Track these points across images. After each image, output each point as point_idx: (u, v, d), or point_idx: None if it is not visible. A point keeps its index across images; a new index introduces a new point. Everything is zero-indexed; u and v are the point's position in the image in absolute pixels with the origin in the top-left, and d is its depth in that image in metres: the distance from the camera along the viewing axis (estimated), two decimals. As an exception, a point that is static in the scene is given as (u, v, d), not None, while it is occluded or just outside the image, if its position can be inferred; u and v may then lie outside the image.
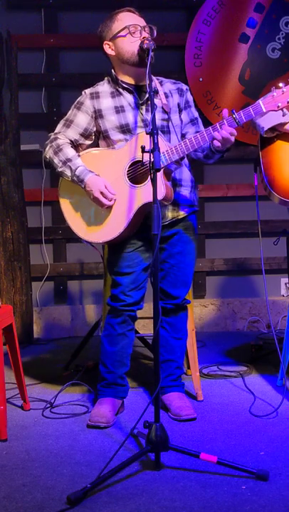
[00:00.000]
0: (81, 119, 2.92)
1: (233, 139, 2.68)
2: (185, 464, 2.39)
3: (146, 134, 2.43)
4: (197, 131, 2.82)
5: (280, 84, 2.65)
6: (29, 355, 4.09)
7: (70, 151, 2.87)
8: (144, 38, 2.76)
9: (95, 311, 4.77)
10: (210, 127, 2.70)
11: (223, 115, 2.68)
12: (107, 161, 2.84)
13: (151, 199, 2.44)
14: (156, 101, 2.83)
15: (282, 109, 2.68)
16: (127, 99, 2.88)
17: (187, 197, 2.94)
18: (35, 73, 4.75)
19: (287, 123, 2.93)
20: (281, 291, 4.87)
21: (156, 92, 2.88)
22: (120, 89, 2.90)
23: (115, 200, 2.78)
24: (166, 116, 2.88)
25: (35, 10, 4.75)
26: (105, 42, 2.87)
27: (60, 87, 4.77)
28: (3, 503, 2.14)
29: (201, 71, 4.72)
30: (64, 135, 2.92)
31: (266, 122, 2.91)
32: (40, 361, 4.00)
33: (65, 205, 2.91)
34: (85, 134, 2.94)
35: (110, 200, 2.77)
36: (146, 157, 2.47)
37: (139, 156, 2.71)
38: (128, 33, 2.81)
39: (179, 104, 2.94)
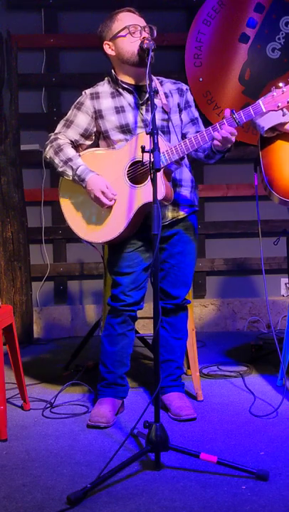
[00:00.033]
0: (81, 119, 2.92)
1: (233, 138, 2.68)
2: (185, 464, 2.39)
3: (147, 134, 2.43)
4: (197, 131, 2.81)
5: (280, 84, 2.65)
6: (29, 355, 4.09)
7: (70, 151, 2.87)
8: (144, 38, 2.76)
9: (95, 311, 4.77)
10: (210, 127, 2.70)
11: (224, 115, 2.67)
12: (107, 161, 2.84)
13: (151, 199, 2.44)
14: (156, 101, 2.83)
15: (282, 109, 2.67)
16: (127, 99, 2.88)
17: (187, 197, 2.94)
18: (35, 73, 4.76)
19: (287, 123, 2.93)
20: (281, 291, 4.87)
21: (157, 92, 2.88)
22: (120, 90, 2.89)
23: (116, 200, 2.78)
24: (166, 117, 2.88)
25: (35, 10, 4.75)
26: (105, 42, 2.87)
27: (60, 87, 4.77)
28: (3, 503, 2.14)
29: (201, 71, 4.72)
30: (64, 135, 2.92)
31: (266, 122, 2.91)
32: (40, 361, 4.00)
33: (66, 205, 2.91)
34: (85, 135, 2.94)
35: (111, 200, 2.77)
36: (146, 157, 2.47)
37: (139, 156, 2.71)
38: (128, 33, 2.81)
39: (179, 104, 2.94)
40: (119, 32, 2.82)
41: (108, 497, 2.16)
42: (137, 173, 2.78)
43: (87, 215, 2.86)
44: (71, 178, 2.82)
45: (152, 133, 2.42)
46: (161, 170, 2.60)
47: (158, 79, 2.97)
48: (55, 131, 2.95)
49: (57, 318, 4.79)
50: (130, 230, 2.81)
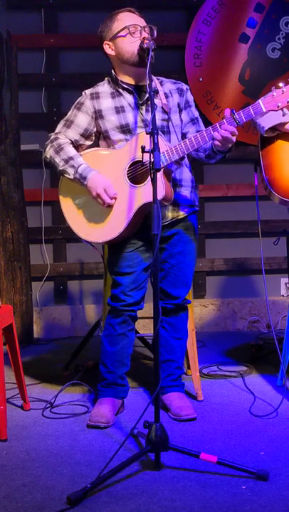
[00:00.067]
0: (81, 119, 2.92)
1: (234, 138, 2.67)
2: (185, 464, 2.39)
3: (147, 134, 2.43)
4: (198, 131, 2.81)
5: (280, 84, 2.65)
6: (29, 355, 4.09)
7: (71, 150, 2.87)
8: (144, 38, 2.76)
9: (95, 311, 4.77)
10: (210, 127, 2.70)
11: (224, 115, 2.67)
12: (107, 161, 2.84)
13: (151, 199, 2.44)
14: (156, 101, 2.83)
15: (282, 109, 2.67)
16: (127, 99, 2.88)
17: (187, 197, 2.94)
18: (35, 73, 4.75)
19: (287, 123, 2.93)
20: (281, 291, 4.87)
21: (157, 92, 2.88)
22: (120, 90, 2.89)
23: (116, 199, 2.78)
24: (166, 117, 2.88)
25: (35, 10, 4.75)
26: (105, 42, 2.87)
27: (60, 87, 4.77)
28: (3, 503, 2.14)
29: (201, 71, 4.72)
30: (64, 135, 2.92)
31: (266, 122, 2.91)
32: (40, 361, 4.00)
33: (66, 205, 2.90)
34: (86, 135, 2.94)
35: (112, 199, 2.77)
36: (146, 157, 2.47)
37: (139, 156, 2.71)
38: (128, 33, 2.81)
39: (178, 104, 2.94)
40: (119, 32, 2.82)
41: (108, 497, 2.16)
42: (137, 173, 2.78)
43: (88, 215, 2.86)
44: (72, 176, 2.82)
45: (152, 133, 2.42)
46: (161, 170, 2.60)
47: (158, 79, 2.97)
48: (56, 131, 2.95)
49: (57, 318, 4.78)
50: (130, 230, 2.81)
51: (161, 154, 2.64)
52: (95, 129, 2.94)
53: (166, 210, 2.88)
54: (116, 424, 2.83)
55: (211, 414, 2.96)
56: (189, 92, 3.01)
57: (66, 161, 2.83)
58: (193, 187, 2.98)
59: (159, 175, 2.63)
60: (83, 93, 2.95)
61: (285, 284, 4.84)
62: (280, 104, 2.65)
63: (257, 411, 2.96)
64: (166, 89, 2.94)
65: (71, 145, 2.90)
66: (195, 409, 2.94)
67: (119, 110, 2.87)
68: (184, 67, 4.72)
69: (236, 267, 4.85)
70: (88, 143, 2.97)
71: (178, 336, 3.04)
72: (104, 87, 2.94)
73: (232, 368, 3.67)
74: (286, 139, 3.02)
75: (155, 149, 2.40)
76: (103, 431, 2.76)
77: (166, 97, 2.91)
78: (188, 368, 3.31)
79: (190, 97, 2.99)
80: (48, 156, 2.90)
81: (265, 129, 2.95)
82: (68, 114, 2.96)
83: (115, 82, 2.91)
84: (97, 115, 2.90)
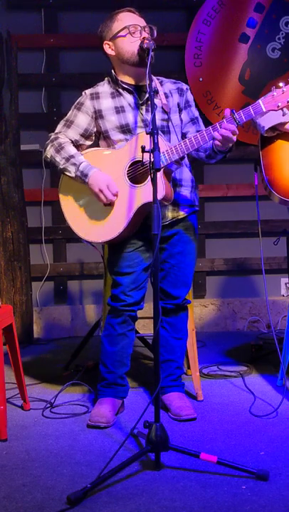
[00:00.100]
0: (81, 119, 2.92)
1: (234, 138, 2.67)
2: (185, 464, 2.39)
3: (147, 134, 2.43)
4: (198, 131, 2.81)
5: (280, 84, 2.65)
6: (29, 355, 4.09)
7: (72, 149, 2.87)
8: (144, 38, 2.76)
9: (95, 311, 4.77)
10: (210, 127, 2.70)
11: (224, 115, 2.67)
12: (107, 160, 2.84)
13: (151, 199, 2.44)
14: (156, 101, 2.83)
15: (282, 109, 2.67)
16: (127, 99, 2.88)
17: (187, 197, 2.94)
18: (35, 73, 4.75)
19: (287, 122, 2.93)
20: (281, 291, 4.87)
21: (157, 92, 2.88)
22: (120, 90, 2.89)
23: (117, 196, 2.77)
24: (166, 117, 2.88)
25: (35, 10, 4.75)
26: (105, 42, 2.87)
27: (60, 87, 4.77)
28: (3, 503, 2.14)
29: (201, 71, 4.72)
30: (64, 135, 2.92)
31: (266, 122, 2.91)
32: (40, 361, 4.00)
33: (66, 205, 2.90)
34: (86, 135, 2.94)
35: (113, 196, 2.76)
36: (146, 157, 2.47)
37: (139, 155, 2.71)
38: (128, 33, 2.81)
39: (178, 104, 2.94)
40: (119, 32, 2.82)
41: (108, 497, 2.16)
42: (137, 173, 2.78)
43: (88, 214, 2.86)
44: (73, 174, 2.82)
45: (152, 133, 2.42)
46: (161, 170, 2.60)
47: (158, 79, 2.97)
48: (56, 131, 2.95)
49: (57, 318, 4.78)
50: (130, 230, 2.81)
51: (161, 154, 2.63)
52: (95, 129, 2.94)
53: (166, 210, 2.88)
54: (116, 424, 2.83)
55: (211, 414, 2.96)
56: (189, 91, 3.01)
57: (67, 159, 2.83)
58: (193, 187, 2.98)
59: (159, 175, 2.63)
60: (83, 93, 2.95)
61: (285, 284, 4.84)
62: (280, 104, 2.65)
63: (257, 411, 2.96)
64: (166, 89, 2.94)
65: (71, 144, 2.91)
66: (195, 409, 2.94)
67: (119, 110, 2.87)
68: (184, 67, 4.72)
69: (236, 267, 4.85)
70: (88, 143, 2.98)
71: (178, 335, 3.03)
72: (104, 87, 2.94)
73: (232, 368, 3.67)
74: (286, 139, 3.02)
75: (155, 149, 2.40)
76: (103, 431, 2.76)
77: (166, 97, 2.91)
78: (189, 367, 3.31)
79: (190, 96, 2.99)
80: (49, 156, 2.90)
81: (265, 128, 2.95)
82: (68, 114, 2.96)
83: (115, 82, 2.91)
84: (97, 115, 2.90)
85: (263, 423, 2.82)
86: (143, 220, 2.82)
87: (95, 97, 2.91)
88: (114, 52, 2.86)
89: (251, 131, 4.52)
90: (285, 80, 2.72)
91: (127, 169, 2.78)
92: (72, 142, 2.92)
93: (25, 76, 4.63)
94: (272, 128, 2.96)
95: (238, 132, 2.68)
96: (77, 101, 2.95)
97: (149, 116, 2.81)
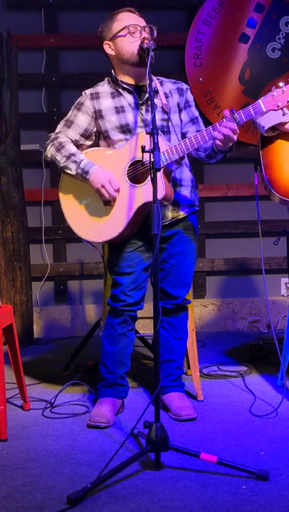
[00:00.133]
0: (81, 119, 2.92)
1: (235, 137, 2.67)
2: (185, 464, 2.39)
3: (147, 133, 2.43)
4: (198, 131, 2.81)
5: (280, 84, 2.65)
6: (29, 355, 4.09)
7: (72, 148, 2.88)
8: (144, 38, 2.76)
9: (95, 311, 4.77)
10: (210, 126, 2.70)
11: (224, 115, 2.67)
12: (107, 160, 2.84)
13: (150, 198, 2.44)
14: (156, 101, 2.83)
15: (282, 109, 2.67)
16: (127, 99, 2.88)
17: (187, 197, 2.94)
18: (35, 73, 4.75)
19: (287, 122, 2.93)
20: (281, 291, 4.87)
21: (156, 92, 2.88)
22: (120, 90, 2.89)
23: (119, 192, 2.76)
24: (165, 117, 2.88)
25: (35, 10, 4.74)
26: (105, 42, 2.87)
27: (60, 87, 4.76)
28: (3, 503, 2.14)
29: (201, 71, 4.72)
30: (65, 135, 2.92)
31: (267, 121, 2.91)
32: (40, 361, 4.00)
33: (66, 205, 2.90)
34: (86, 135, 2.94)
35: (115, 191, 2.75)
36: (146, 157, 2.47)
37: (139, 155, 2.71)
38: (128, 32, 2.81)
39: (178, 104, 2.94)
40: (119, 32, 2.82)
41: (108, 497, 2.16)
42: (137, 173, 2.78)
43: (88, 214, 2.86)
44: (74, 172, 2.82)
45: (152, 133, 2.42)
46: (161, 170, 2.59)
47: (158, 79, 2.97)
48: (56, 131, 2.95)
49: (57, 318, 4.78)
50: (130, 230, 2.81)
51: (161, 154, 2.63)
52: (95, 129, 2.94)
53: (166, 210, 2.88)
54: (116, 424, 2.83)
55: (211, 414, 2.96)
56: (189, 91, 3.00)
57: (68, 158, 2.83)
58: (193, 187, 2.98)
59: (159, 175, 2.63)
60: (83, 93, 2.95)
61: (285, 284, 4.84)
62: (280, 104, 2.65)
63: (257, 411, 2.96)
64: (166, 89, 2.94)
65: (72, 143, 2.91)
66: (195, 409, 2.94)
67: (119, 110, 2.87)
68: (184, 67, 4.72)
69: (236, 267, 4.85)
70: (88, 143, 2.98)
71: (178, 335, 3.03)
72: (104, 87, 2.94)
73: (232, 368, 3.67)
74: (286, 139, 3.02)
75: (155, 149, 2.40)
76: (103, 431, 2.76)
77: (166, 97, 2.91)
78: (189, 367, 3.31)
79: (190, 96, 2.99)
80: (49, 155, 2.90)
81: (266, 128, 2.95)
82: (68, 115, 2.96)
83: (115, 82, 2.91)
84: (97, 115, 2.90)
85: (263, 423, 2.82)
86: (143, 220, 2.81)
87: (95, 97, 2.91)
88: (114, 52, 2.86)
89: (251, 131, 4.52)
90: (285, 79, 2.72)
91: (126, 169, 2.78)
92: (72, 142, 2.92)
93: (26, 76, 4.62)
94: (273, 128, 2.96)
95: (238, 131, 2.67)
96: (77, 101, 2.95)
97: (149, 116, 2.81)
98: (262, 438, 2.65)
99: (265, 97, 2.67)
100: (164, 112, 2.87)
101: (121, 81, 2.88)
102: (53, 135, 2.94)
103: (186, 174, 2.94)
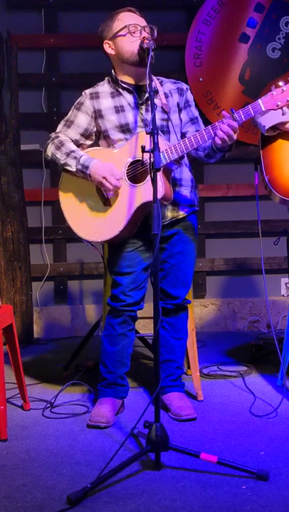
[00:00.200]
0: (81, 119, 2.92)
1: (235, 136, 2.67)
2: (185, 464, 2.39)
3: (147, 133, 2.43)
4: (197, 130, 2.81)
5: (280, 83, 2.65)
6: (29, 355, 4.09)
7: (72, 145, 2.88)
8: (144, 37, 2.75)
9: (95, 311, 4.77)
10: (209, 126, 2.70)
11: (223, 115, 2.67)
12: (106, 159, 2.83)
13: (150, 198, 2.44)
14: (156, 101, 2.83)
15: (281, 108, 2.67)
16: (127, 99, 2.88)
17: (187, 197, 2.94)
18: (35, 73, 4.75)
19: (288, 122, 2.93)
20: (281, 291, 4.86)
21: (156, 91, 2.88)
22: (120, 89, 2.89)
23: (120, 184, 2.76)
24: (165, 116, 2.88)
25: (35, 10, 4.74)
26: (105, 41, 2.87)
27: (60, 87, 4.76)
28: (3, 503, 2.14)
29: (201, 71, 4.72)
30: (65, 134, 2.92)
31: (267, 121, 2.91)
32: (40, 361, 4.00)
33: (66, 205, 2.90)
34: (86, 134, 2.94)
35: (118, 181, 2.75)
36: (146, 157, 2.47)
37: (138, 155, 2.71)
38: (128, 32, 2.81)
39: (178, 104, 2.94)
40: (119, 31, 2.82)
41: (108, 497, 2.16)
42: (137, 173, 2.77)
43: (87, 214, 2.86)
44: (74, 168, 2.81)
45: (152, 133, 2.42)
46: (161, 169, 2.59)
47: (158, 79, 2.97)
48: (56, 131, 2.96)
49: (57, 318, 4.78)
50: (130, 229, 2.81)
51: (161, 153, 2.63)
52: (95, 129, 2.94)
53: (165, 209, 2.88)
54: (116, 424, 2.83)
55: (211, 414, 2.96)
56: (189, 91, 3.00)
57: (68, 154, 2.83)
58: (193, 187, 2.98)
59: (159, 174, 2.62)
60: (83, 93, 2.95)
61: (285, 284, 4.84)
62: (279, 103, 2.65)
63: (257, 411, 2.96)
64: (166, 89, 2.94)
65: (72, 142, 2.91)
66: (195, 409, 2.94)
67: (118, 110, 2.87)
68: (184, 67, 4.72)
69: (236, 267, 4.85)
70: (88, 142, 2.98)
71: (178, 336, 3.03)
72: (104, 87, 2.94)
73: (232, 368, 3.67)
74: (287, 138, 3.02)
75: (155, 149, 2.40)
76: (103, 431, 2.76)
77: (166, 96, 2.91)
78: (189, 367, 3.31)
79: (190, 96, 2.99)
80: (50, 154, 2.90)
81: (266, 128, 2.95)
82: (68, 115, 2.97)
83: (115, 82, 2.91)
84: (97, 115, 2.90)
85: (263, 423, 2.81)
86: (143, 220, 2.81)
87: (95, 96, 2.91)
88: (114, 52, 2.86)
89: (251, 131, 4.52)
90: (285, 79, 2.72)
91: (126, 168, 2.78)
92: (72, 141, 2.92)
93: (26, 76, 4.62)
94: (273, 127, 2.96)
95: (238, 131, 2.67)
96: (77, 101, 2.95)
97: (148, 116, 2.81)
98: (262, 438, 2.64)
99: (265, 96, 2.67)
100: (164, 111, 2.87)
101: (121, 81, 2.88)
102: (53, 134, 2.94)
103: (185, 174, 2.94)
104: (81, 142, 2.94)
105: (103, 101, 2.90)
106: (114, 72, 2.92)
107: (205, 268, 4.83)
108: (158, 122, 2.79)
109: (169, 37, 4.71)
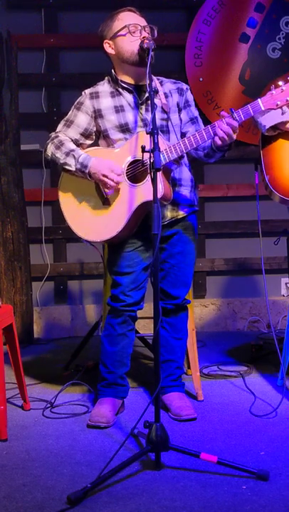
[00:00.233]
0: (81, 119, 2.92)
1: (234, 135, 2.67)
2: (185, 464, 2.39)
3: (147, 133, 2.43)
4: (197, 130, 2.81)
5: (280, 83, 2.65)
6: (29, 355, 4.09)
7: (72, 145, 2.88)
8: (144, 37, 2.75)
9: (95, 311, 4.77)
10: (208, 126, 2.70)
11: (222, 114, 2.67)
12: (106, 159, 2.83)
13: (150, 198, 2.44)
14: (156, 101, 2.83)
15: (281, 107, 2.67)
16: (127, 98, 2.88)
17: (187, 197, 2.94)
18: (35, 73, 4.75)
19: (288, 121, 2.93)
20: (281, 291, 4.86)
21: (156, 91, 2.87)
22: (120, 89, 2.89)
23: (120, 181, 2.75)
24: (165, 116, 2.88)
25: (35, 10, 4.75)
26: (106, 41, 2.88)
27: (60, 87, 4.77)
28: (3, 503, 2.14)
29: (201, 71, 4.72)
30: (65, 134, 2.92)
31: (268, 121, 2.91)
32: (41, 361, 4.00)
33: (65, 205, 2.90)
34: (86, 134, 2.94)
35: (119, 176, 2.74)
36: (146, 156, 2.47)
37: (138, 155, 2.71)
38: (128, 32, 2.81)
39: (178, 104, 2.94)
40: (119, 31, 2.82)
41: (108, 497, 2.16)
42: (136, 172, 2.77)
43: (87, 214, 2.86)
44: (74, 168, 2.81)
45: (152, 132, 2.41)
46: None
47: (158, 79, 2.97)
48: (56, 131, 2.96)
49: (57, 318, 4.78)
50: (129, 229, 2.81)
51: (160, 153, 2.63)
52: (95, 129, 2.94)
53: (165, 209, 2.87)
54: (116, 424, 2.83)
55: (211, 414, 2.96)
56: (189, 91, 3.00)
57: (67, 154, 2.83)
58: (192, 187, 2.98)
59: (158, 174, 2.62)
60: (83, 93, 2.95)
61: (286, 283, 4.84)
62: (278, 103, 2.65)
63: (257, 411, 2.96)
64: (166, 89, 2.94)
65: (71, 142, 2.91)
66: (195, 409, 2.94)
67: (118, 109, 2.87)
68: (184, 67, 4.72)
69: (236, 267, 4.85)
70: (88, 142, 2.98)
71: (178, 336, 3.03)
72: (104, 87, 2.94)
73: (232, 368, 3.67)
74: (287, 138, 3.02)
75: (155, 149, 2.40)
76: (103, 431, 2.76)
77: (166, 96, 2.91)
78: (189, 367, 3.31)
79: (190, 96, 2.99)
80: (49, 153, 2.90)
81: (267, 127, 2.95)
82: (68, 114, 2.97)
83: (115, 82, 2.91)
84: (97, 114, 2.90)
85: (263, 423, 2.81)
86: (143, 220, 2.81)
87: (95, 96, 2.91)
88: (114, 52, 2.86)
89: (251, 131, 4.52)
90: (285, 79, 2.72)
91: (126, 168, 2.78)
92: (72, 141, 2.92)
93: (26, 76, 4.62)
94: (274, 127, 2.96)
95: (238, 130, 2.67)
96: (77, 100, 2.95)
97: (148, 116, 2.81)
98: (262, 438, 2.64)
99: (264, 96, 2.67)
100: (164, 111, 2.87)
101: (121, 80, 2.88)
102: (53, 134, 2.94)
103: (185, 174, 2.94)
104: (81, 142, 2.94)
105: (103, 100, 2.90)
106: (114, 71, 2.92)
107: (205, 268, 4.83)
108: (158, 122, 2.79)
109: (169, 37, 4.71)
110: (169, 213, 2.89)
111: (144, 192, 2.72)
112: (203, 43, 4.69)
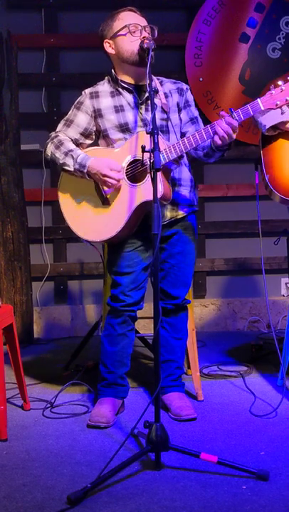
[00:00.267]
0: (81, 118, 2.92)
1: (234, 135, 2.67)
2: (185, 464, 2.39)
3: (147, 133, 2.43)
4: (197, 130, 2.81)
5: (279, 83, 2.65)
6: (29, 355, 4.09)
7: (71, 145, 2.88)
8: (144, 37, 2.75)
9: (95, 311, 4.77)
10: (208, 125, 2.70)
11: (221, 114, 2.67)
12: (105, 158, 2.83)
13: (149, 197, 2.44)
14: (156, 100, 2.82)
15: (280, 107, 2.68)
16: (127, 98, 2.88)
17: (186, 197, 2.94)
18: (36, 73, 4.75)
19: (288, 121, 2.93)
20: (281, 291, 4.86)
21: (156, 91, 2.87)
22: (120, 89, 2.89)
23: (120, 178, 2.75)
24: (165, 116, 2.88)
25: (35, 10, 4.75)
26: (106, 40, 2.88)
27: (60, 86, 4.77)
28: (3, 503, 2.14)
29: (201, 71, 4.72)
30: (65, 134, 2.92)
31: (268, 120, 2.91)
32: (41, 361, 4.00)
33: (65, 204, 2.90)
34: (85, 134, 2.94)
35: (119, 173, 2.74)
36: (146, 156, 2.47)
37: (138, 154, 2.71)
38: (128, 31, 2.81)
39: (178, 104, 2.94)
40: (119, 30, 2.82)
41: (108, 497, 2.16)
42: (136, 172, 2.77)
43: (87, 214, 2.86)
44: (72, 168, 2.81)
45: (152, 132, 2.41)
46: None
47: (158, 79, 2.97)
48: (56, 130, 2.96)
49: (57, 318, 4.78)
50: (129, 229, 2.81)
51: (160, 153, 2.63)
52: (95, 128, 2.94)
53: (165, 209, 2.87)
54: (116, 424, 2.83)
55: (211, 414, 2.96)
56: (189, 91, 3.00)
57: (66, 154, 2.83)
58: (192, 186, 2.98)
59: (158, 174, 2.62)
60: (83, 92, 2.95)
61: (286, 283, 4.84)
62: (278, 103, 2.65)
63: (257, 411, 2.95)
64: (166, 89, 2.94)
65: (71, 141, 2.91)
66: (195, 409, 2.94)
67: (118, 109, 2.87)
68: (184, 67, 4.72)
69: (236, 267, 4.85)
70: (88, 142, 2.98)
71: (178, 336, 3.03)
72: (104, 86, 2.94)
73: (232, 368, 3.67)
74: (287, 138, 3.02)
75: (155, 149, 2.40)
76: (103, 431, 2.76)
77: (166, 96, 2.91)
78: (189, 367, 3.31)
79: (190, 96, 2.99)
80: (49, 153, 2.90)
81: (267, 127, 2.95)
82: (68, 114, 2.97)
83: (115, 81, 2.91)
84: (97, 114, 2.90)
85: (263, 423, 2.81)
86: (142, 220, 2.81)
87: (95, 96, 2.91)
88: (114, 51, 2.87)
89: (251, 131, 4.52)
90: (284, 78, 2.72)
91: (125, 168, 2.78)
92: (72, 141, 2.92)
93: (26, 76, 4.62)
94: (274, 127, 2.97)
95: (237, 130, 2.67)
96: (77, 100, 2.96)
97: (148, 116, 2.81)
98: (262, 438, 2.64)
99: (264, 95, 2.67)
100: (164, 111, 2.87)
101: (121, 80, 2.88)
102: (52, 134, 2.94)
103: (185, 174, 2.94)
104: (81, 141, 2.95)
105: (103, 100, 2.90)
106: (115, 71, 2.92)
107: (205, 268, 4.83)
108: (157, 122, 2.79)
109: (169, 37, 4.71)
110: (168, 213, 2.89)
111: (143, 192, 2.72)
112: (203, 43, 4.69)
